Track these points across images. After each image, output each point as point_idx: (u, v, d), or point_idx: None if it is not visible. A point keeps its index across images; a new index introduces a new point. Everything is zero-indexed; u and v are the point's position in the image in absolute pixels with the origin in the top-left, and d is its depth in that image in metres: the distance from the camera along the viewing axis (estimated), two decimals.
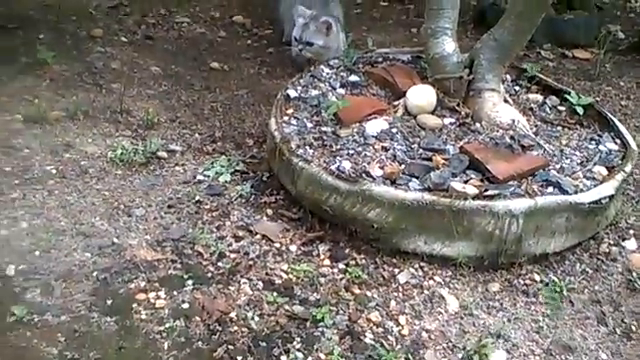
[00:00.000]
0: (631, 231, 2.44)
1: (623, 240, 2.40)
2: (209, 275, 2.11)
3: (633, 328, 2.07)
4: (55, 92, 3.01)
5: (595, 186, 2.26)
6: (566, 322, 2.06)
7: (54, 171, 2.50)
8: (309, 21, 3.20)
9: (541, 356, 1.95)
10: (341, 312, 2.02)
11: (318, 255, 2.22)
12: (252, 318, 1.97)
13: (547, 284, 2.19)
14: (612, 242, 2.39)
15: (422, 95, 2.58)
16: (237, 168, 2.59)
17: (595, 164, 2.40)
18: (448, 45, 2.61)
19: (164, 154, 2.65)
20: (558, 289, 2.16)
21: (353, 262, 2.20)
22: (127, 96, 2.99)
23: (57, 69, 3.18)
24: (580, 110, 2.68)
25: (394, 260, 2.21)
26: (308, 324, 1.97)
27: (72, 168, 2.53)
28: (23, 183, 2.41)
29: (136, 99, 3.04)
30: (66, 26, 3.61)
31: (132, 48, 3.51)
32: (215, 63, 3.45)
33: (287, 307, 2.02)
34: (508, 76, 2.86)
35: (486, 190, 2.18)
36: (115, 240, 2.21)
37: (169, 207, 2.38)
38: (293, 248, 2.24)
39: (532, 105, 2.75)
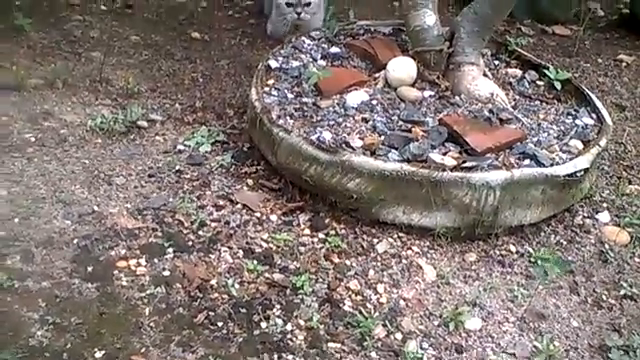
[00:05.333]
0: (604, 204, 2.49)
1: (597, 213, 2.45)
2: (190, 243, 2.13)
3: (604, 297, 2.12)
4: (33, 60, 2.97)
5: (571, 159, 2.30)
6: (540, 291, 2.10)
7: (33, 139, 2.48)
8: None
9: (515, 323, 2.00)
10: (320, 280, 2.05)
11: (298, 225, 2.25)
12: (232, 285, 1.99)
13: (522, 255, 2.24)
14: (586, 215, 2.44)
15: (402, 67, 2.59)
16: (218, 138, 2.59)
17: (571, 138, 2.44)
18: (429, 18, 2.61)
19: (144, 123, 2.64)
20: (533, 260, 2.21)
21: (333, 232, 2.23)
22: (107, 65, 2.97)
23: (34, 36, 3.14)
24: (558, 85, 2.71)
25: (373, 230, 2.24)
26: (288, 291, 2.00)
27: (51, 136, 2.51)
28: (1, 151, 2.39)
29: (116, 68, 3.01)
30: None
31: (111, 17, 3.46)
32: (196, 33, 3.42)
33: (267, 275, 2.04)
34: (488, 50, 2.88)
35: (464, 162, 2.21)
36: (95, 208, 2.21)
37: (149, 176, 2.38)
38: (273, 218, 2.26)
39: (511, 79, 2.78)
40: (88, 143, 2.51)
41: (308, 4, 3.17)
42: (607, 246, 2.30)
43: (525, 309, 2.04)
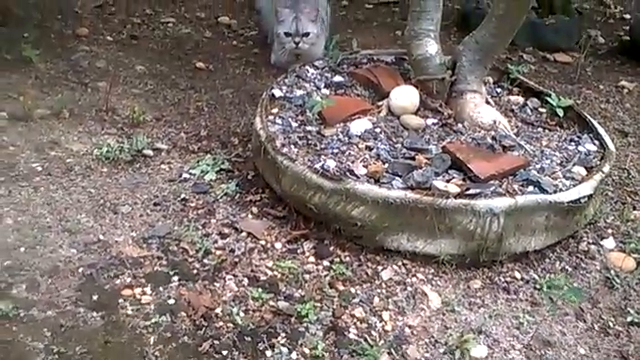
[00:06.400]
0: (609, 230, 2.49)
1: (601, 239, 2.45)
2: (195, 272, 2.13)
3: (610, 324, 2.11)
4: (40, 90, 3.01)
5: (574, 186, 2.30)
6: (546, 318, 2.10)
7: (40, 168, 2.51)
8: (297, 13, 3.19)
9: (521, 351, 1.99)
10: (325, 308, 2.05)
11: (303, 252, 2.25)
12: (237, 314, 1.99)
13: (527, 281, 2.23)
14: (591, 241, 2.44)
15: (405, 96, 2.62)
16: (222, 167, 2.61)
17: (574, 164, 2.44)
18: (431, 47, 2.64)
19: (150, 152, 2.67)
20: (538, 286, 2.21)
21: (337, 259, 2.23)
22: (112, 95, 3.00)
23: (42, 67, 3.19)
24: (560, 112, 2.73)
25: (378, 257, 2.24)
26: (293, 320, 1.99)
27: (58, 165, 2.54)
28: (8, 180, 2.42)
29: (121, 98, 3.05)
30: (51, 25, 3.63)
31: (117, 47, 3.52)
32: (200, 63, 3.46)
33: (272, 303, 2.04)
34: (490, 78, 2.91)
35: (468, 189, 2.22)
36: (101, 237, 2.22)
37: (155, 205, 2.40)
38: (278, 245, 2.27)
39: (513, 107, 2.80)
40: (94, 172, 2.53)
41: (307, 34, 3.20)
42: (613, 272, 2.29)
43: (531, 336, 2.03)
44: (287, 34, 3.21)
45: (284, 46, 3.26)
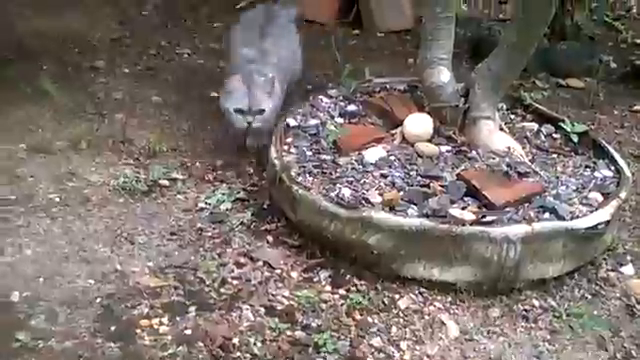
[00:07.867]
0: (628, 257, 2.47)
1: (621, 265, 2.42)
2: (211, 301, 2.13)
3: (633, 353, 2.08)
4: (58, 122, 3.06)
5: (591, 212, 2.29)
6: (566, 347, 2.07)
7: (58, 199, 2.53)
8: (249, 84, 2.69)
9: None
10: (343, 338, 2.04)
11: (319, 281, 2.25)
12: (254, 344, 1.98)
13: (546, 309, 2.21)
14: (610, 267, 2.41)
15: (419, 123, 2.63)
16: (238, 196, 2.62)
17: (590, 191, 2.43)
18: (444, 75, 2.66)
19: (166, 182, 2.69)
20: (557, 314, 2.18)
21: (354, 288, 2.22)
22: (129, 125, 3.04)
23: (60, 99, 3.23)
24: (575, 138, 2.72)
25: (394, 286, 2.24)
26: (310, 350, 1.98)
27: (75, 196, 2.56)
28: (27, 211, 2.44)
29: (138, 128, 3.08)
30: (69, 57, 3.68)
31: (134, 79, 3.57)
32: (215, 93, 3.49)
33: (289, 333, 2.03)
34: (504, 105, 2.91)
35: (484, 216, 2.21)
36: (118, 267, 2.23)
37: (171, 234, 2.41)
38: (294, 274, 2.27)
39: (527, 133, 2.80)
40: (111, 202, 2.56)
41: (262, 111, 2.69)
42: (634, 300, 2.26)
43: None
44: (238, 110, 2.70)
45: (234, 125, 2.73)
